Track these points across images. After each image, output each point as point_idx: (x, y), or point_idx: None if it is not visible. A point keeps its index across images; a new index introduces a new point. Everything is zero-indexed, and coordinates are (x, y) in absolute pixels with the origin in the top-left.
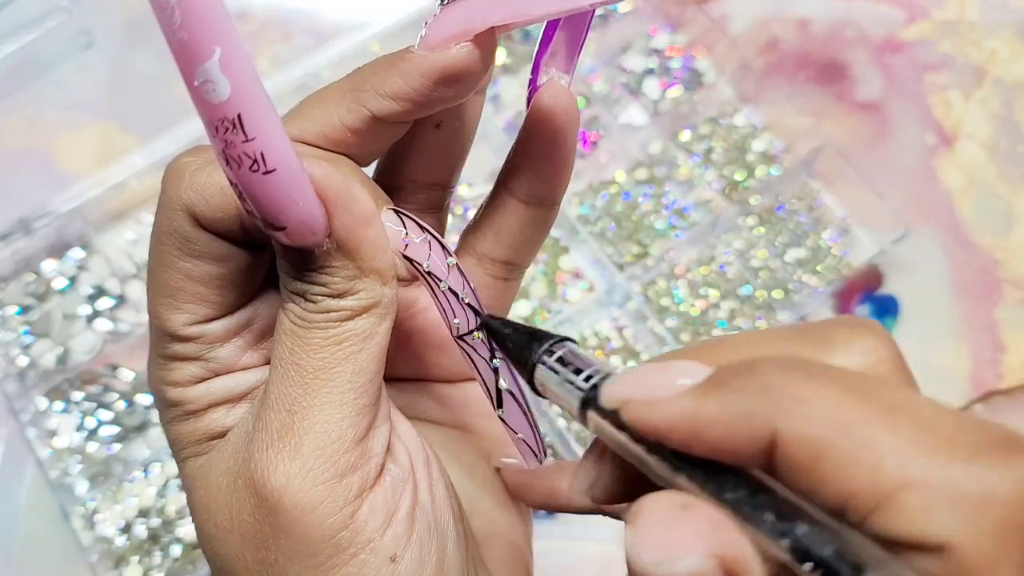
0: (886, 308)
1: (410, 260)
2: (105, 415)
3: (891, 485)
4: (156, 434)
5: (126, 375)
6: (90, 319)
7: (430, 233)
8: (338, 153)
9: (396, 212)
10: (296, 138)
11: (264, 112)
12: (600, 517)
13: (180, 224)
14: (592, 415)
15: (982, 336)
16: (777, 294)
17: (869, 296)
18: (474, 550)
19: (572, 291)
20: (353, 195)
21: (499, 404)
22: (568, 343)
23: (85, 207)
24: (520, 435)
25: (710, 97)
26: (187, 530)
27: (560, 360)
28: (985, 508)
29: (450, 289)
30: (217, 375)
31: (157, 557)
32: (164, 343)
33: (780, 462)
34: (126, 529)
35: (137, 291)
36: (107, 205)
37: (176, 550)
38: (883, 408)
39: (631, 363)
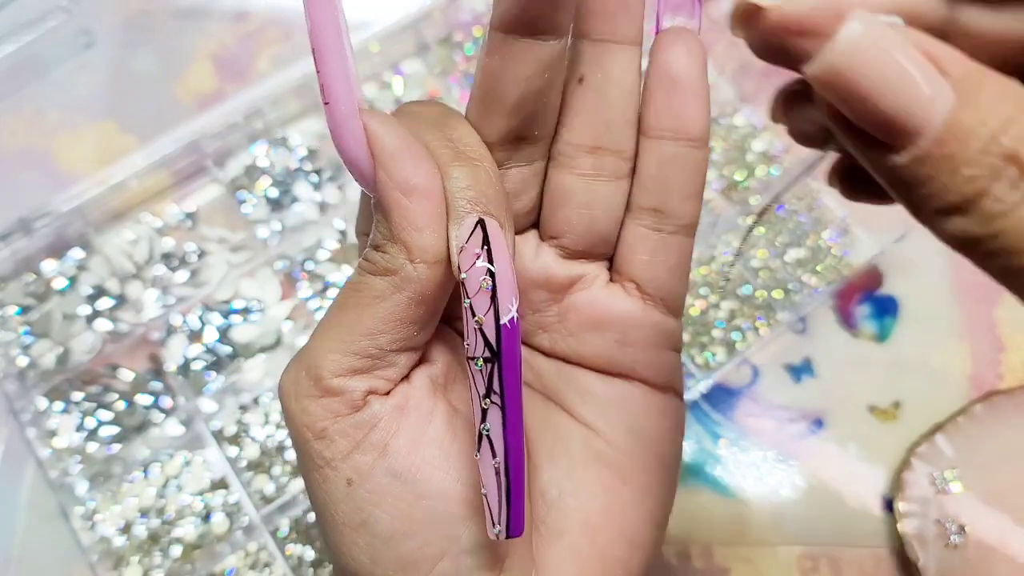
0: (886, 308)
1: (458, 264)
2: (105, 415)
3: None
4: (156, 434)
5: (126, 375)
6: (90, 319)
7: (488, 254)
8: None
9: (481, 222)
10: None
11: (331, 51)
12: None
13: None
14: None
15: (982, 336)
16: (777, 294)
17: (869, 296)
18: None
19: None
20: (400, 160)
21: (478, 446)
22: None
23: (85, 207)
24: (484, 491)
25: (710, 97)
26: (187, 530)
27: None
28: None
29: (470, 308)
30: None
31: (157, 557)
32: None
33: None
34: (126, 529)
35: (137, 291)
36: (107, 205)
37: (176, 550)
38: None
39: None
